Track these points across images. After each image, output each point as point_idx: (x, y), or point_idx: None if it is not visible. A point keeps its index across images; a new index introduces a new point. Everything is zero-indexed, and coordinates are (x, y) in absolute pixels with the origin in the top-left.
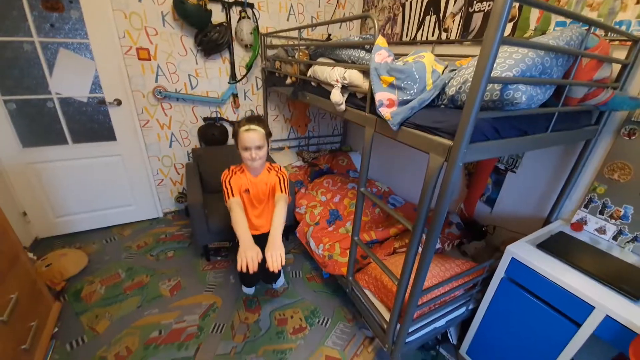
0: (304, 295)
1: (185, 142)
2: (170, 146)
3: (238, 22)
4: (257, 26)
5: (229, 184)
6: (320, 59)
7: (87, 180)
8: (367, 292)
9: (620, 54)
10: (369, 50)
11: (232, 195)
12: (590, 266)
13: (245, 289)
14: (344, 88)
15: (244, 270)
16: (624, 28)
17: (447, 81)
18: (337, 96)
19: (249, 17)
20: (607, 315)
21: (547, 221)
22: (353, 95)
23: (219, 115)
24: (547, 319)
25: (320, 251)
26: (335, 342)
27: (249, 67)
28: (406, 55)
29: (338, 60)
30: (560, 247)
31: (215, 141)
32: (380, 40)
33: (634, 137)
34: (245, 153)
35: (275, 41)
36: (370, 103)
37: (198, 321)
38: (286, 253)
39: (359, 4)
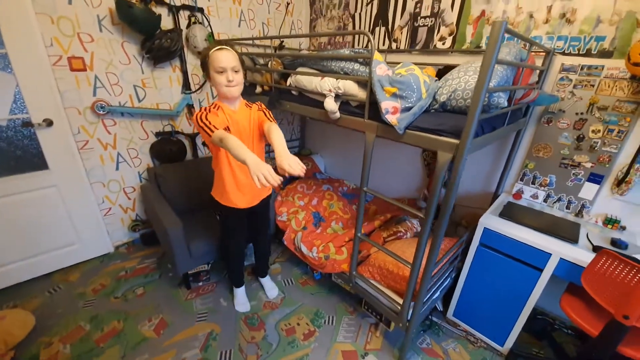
0: (302, 300)
1: (135, 162)
2: (117, 168)
3: (188, 27)
4: (212, 32)
5: (206, 119)
6: (302, 69)
7: (15, 221)
8: (373, 281)
9: (539, 62)
10: (363, 64)
11: (215, 128)
12: (538, 224)
13: (240, 303)
14: (336, 97)
15: (264, 182)
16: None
17: (436, 90)
18: (332, 105)
19: (199, 22)
20: (561, 258)
21: (495, 195)
22: (346, 104)
23: (173, 129)
24: (516, 271)
25: (314, 254)
26: (346, 336)
27: (205, 75)
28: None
29: (324, 71)
30: (513, 213)
31: (173, 157)
32: (377, 55)
33: (551, 124)
34: (220, 77)
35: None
36: (369, 110)
37: (200, 354)
38: (271, 263)
39: (306, 12)
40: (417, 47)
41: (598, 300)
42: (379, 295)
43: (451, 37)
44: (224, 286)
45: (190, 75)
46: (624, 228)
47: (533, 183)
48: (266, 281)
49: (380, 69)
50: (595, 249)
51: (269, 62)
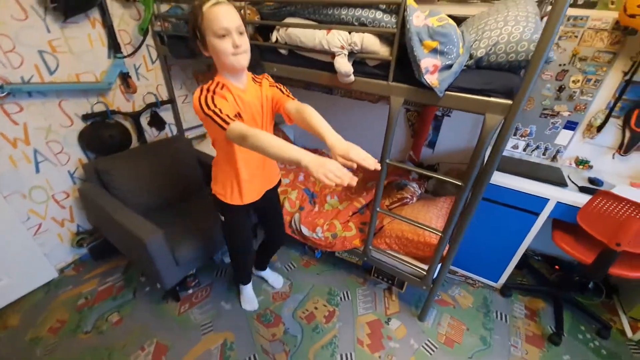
0: (311, 282)
1: (61, 159)
2: (37, 171)
3: None
4: None
5: (214, 105)
6: (292, 20)
7: None
8: (391, 252)
9: None
10: (387, 11)
11: (230, 118)
12: (528, 172)
13: (251, 303)
14: (349, 55)
15: (339, 182)
16: None
17: (471, 44)
18: (346, 65)
19: None
20: (557, 201)
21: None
22: (361, 63)
23: (108, 109)
24: (513, 217)
25: (319, 235)
26: (365, 307)
27: (144, 32)
28: None
29: (328, 22)
30: (501, 164)
31: (115, 146)
32: (411, 0)
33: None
34: (222, 43)
35: None
36: (395, 70)
37: None
38: None
39: None
40: None
41: (593, 233)
42: (397, 264)
43: None
44: (220, 287)
45: (117, 31)
46: (591, 167)
47: (515, 135)
48: (268, 273)
49: (418, 18)
50: (582, 189)
51: (240, 11)
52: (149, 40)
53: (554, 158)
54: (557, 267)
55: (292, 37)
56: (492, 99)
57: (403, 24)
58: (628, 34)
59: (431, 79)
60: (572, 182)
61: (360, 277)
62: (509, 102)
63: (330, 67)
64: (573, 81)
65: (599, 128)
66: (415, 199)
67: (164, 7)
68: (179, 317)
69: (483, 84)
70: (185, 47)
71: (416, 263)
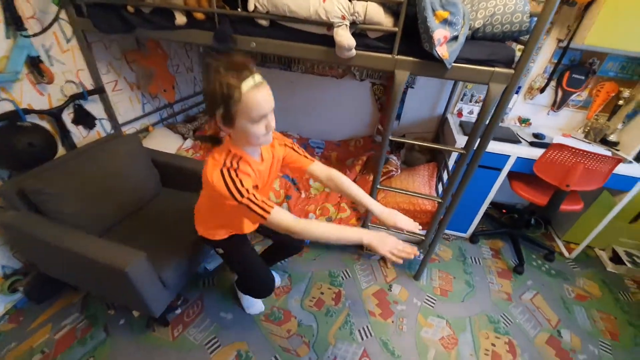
0: (309, 269)
1: None
2: None
3: None
4: None
5: (246, 190)
6: None
7: None
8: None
9: None
10: None
11: (268, 205)
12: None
13: (256, 306)
14: (350, 26)
15: (405, 256)
16: None
17: (469, 15)
18: (349, 38)
19: None
20: (517, 157)
21: (442, 117)
22: (362, 35)
23: (17, 107)
24: (481, 175)
25: None
26: (367, 280)
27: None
28: None
29: None
30: (465, 129)
31: (37, 157)
32: None
33: None
34: (257, 127)
35: None
36: (401, 43)
37: None
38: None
39: None
40: None
41: (548, 179)
42: (397, 235)
43: None
44: (212, 297)
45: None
46: (531, 124)
47: (470, 101)
48: None
49: None
50: (532, 144)
51: None
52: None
53: (503, 120)
54: (504, 210)
55: (278, 5)
56: (496, 69)
57: None
58: (567, 4)
59: (442, 51)
60: (522, 138)
61: (354, 254)
62: (512, 71)
63: (323, 40)
64: (518, 49)
65: (542, 90)
66: (399, 170)
67: None
68: (175, 342)
69: (488, 54)
70: (119, 18)
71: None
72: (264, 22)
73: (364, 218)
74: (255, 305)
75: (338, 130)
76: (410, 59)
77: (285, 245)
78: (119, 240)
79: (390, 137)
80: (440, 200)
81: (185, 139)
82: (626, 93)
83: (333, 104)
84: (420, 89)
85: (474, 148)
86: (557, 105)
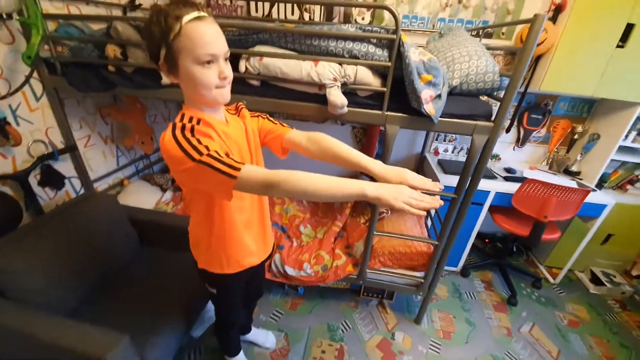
0: (306, 325)
1: None
2: None
3: None
4: None
5: (206, 147)
6: (262, 48)
7: None
8: (385, 269)
9: None
10: (379, 45)
11: (237, 162)
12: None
13: None
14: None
15: (427, 207)
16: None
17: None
18: (341, 98)
19: None
20: (496, 192)
21: (421, 155)
22: (352, 94)
23: None
24: (468, 211)
25: (308, 271)
26: (368, 330)
27: (33, 61)
28: None
29: (314, 53)
30: (445, 167)
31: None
32: (404, 35)
33: None
34: (206, 72)
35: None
36: (389, 101)
37: None
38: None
39: None
40: (335, 20)
41: (526, 211)
42: (396, 279)
43: (369, 12)
44: None
45: None
46: (500, 159)
47: (444, 140)
48: (255, 333)
49: (414, 54)
50: (506, 179)
51: None
52: (23, 69)
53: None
54: (487, 240)
55: (270, 67)
56: (478, 122)
57: (398, 58)
58: None
59: (429, 108)
60: (496, 173)
61: (351, 301)
62: (491, 124)
63: (315, 98)
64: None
65: (507, 130)
66: (389, 212)
67: (50, 25)
68: None
69: (469, 110)
70: (97, 77)
71: (411, 273)
72: (255, 82)
73: (361, 265)
74: None
75: (322, 172)
76: (399, 114)
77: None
78: (95, 318)
79: None
80: (437, 243)
81: (163, 190)
82: (579, 128)
83: None
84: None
85: (464, 192)
86: (520, 141)
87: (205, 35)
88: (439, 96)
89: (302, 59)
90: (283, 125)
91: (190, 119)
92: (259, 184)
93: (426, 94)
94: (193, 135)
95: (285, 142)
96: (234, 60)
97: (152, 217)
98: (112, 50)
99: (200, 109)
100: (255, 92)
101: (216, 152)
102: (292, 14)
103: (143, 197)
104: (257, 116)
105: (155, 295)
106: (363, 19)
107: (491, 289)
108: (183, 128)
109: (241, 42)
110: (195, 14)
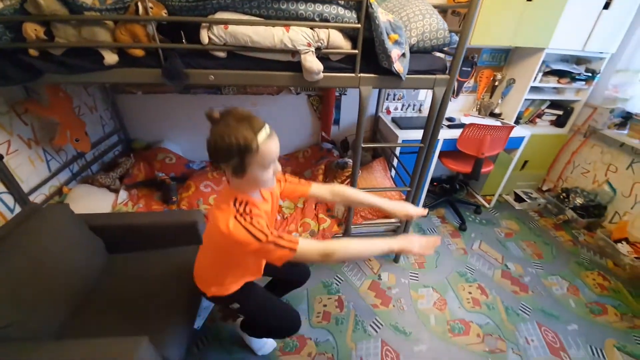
0: (303, 287)
1: None
2: None
3: None
4: None
5: (269, 231)
6: (223, 15)
7: None
8: (367, 222)
9: None
10: (347, 7)
11: (293, 238)
12: (420, 124)
13: (268, 344)
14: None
15: (434, 246)
16: None
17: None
18: (317, 63)
19: None
20: (443, 139)
21: (376, 115)
22: (324, 59)
23: None
24: None
25: None
26: (358, 277)
27: None
28: None
29: (282, 18)
30: (401, 124)
31: None
32: None
33: None
34: (268, 172)
35: None
36: (361, 63)
37: None
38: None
39: None
40: None
41: (468, 152)
42: (376, 229)
43: None
44: (215, 357)
45: None
46: None
47: (394, 99)
48: None
49: (382, 14)
50: (449, 126)
51: (132, 4)
52: None
53: (420, 110)
54: (435, 184)
55: (238, 36)
56: (437, 76)
57: (366, 19)
58: (453, 14)
59: (398, 67)
60: None
61: None
62: (447, 76)
63: (287, 66)
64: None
65: None
66: (361, 172)
67: None
68: None
69: (429, 65)
70: (15, 66)
71: (388, 220)
72: (221, 54)
73: (345, 223)
74: (266, 345)
75: (283, 145)
76: (371, 75)
77: (285, 280)
78: (91, 334)
79: (363, 145)
80: (409, 189)
81: (113, 191)
82: (499, 75)
83: (273, 120)
84: (351, 95)
85: (428, 141)
86: (455, 93)
87: (273, 149)
88: (403, 54)
89: (272, 25)
90: (301, 183)
91: (241, 203)
92: (317, 254)
93: (395, 53)
94: (252, 219)
95: (309, 198)
96: (193, 29)
97: (117, 221)
98: (32, 30)
99: (247, 194)
100: (221, 64)
101: (279, 236)
102: None
103: (94, 202)
104: (279, 181)
105: (148, 298)
106: None
107: (445, 221)
108: (242, 214)
109: (199, 8)
110: (264, 132)
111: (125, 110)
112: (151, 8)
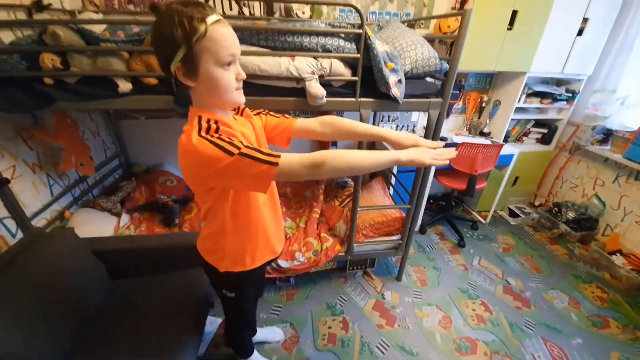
0: (306, 310)
1: None
2: None
3: None
4: None
5: (239, 142)
6: None
7: None
8: (368, 240)
9: None
10: (347, 39)
11: (274, 154)
12: None
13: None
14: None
15: (450, 157)
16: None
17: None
18: (320, 89)
19: None
20: None
21: None
22: (327, 85)
23: None
24: None
25: (301, 259)
26: (362, 297)
27: None
28: None
29: (289, 49)
30: None
31: None
32: (369, 30)
33: None
34: (228, 74)
35: None
36: (361, 88)
37: None
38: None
39: None
40: (277, 15)
41: (461, 169)
42: (378, 247)
43: (309, 7)
44: None
45: None
46: None
47: (388, 120)
48: (263, 331)
49: (379, 45)
50: (446, 145)
51: (148, 37)
52: None
53: (413, 130)
54: (432, 201)
55: (247, 65)
56: (432, 99)
57: (365, 50)
58: (440, 43)
59: (395, 92)
60: None
61: (340, 278)
62: (440, 99)
63: (293, 92)
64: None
65: None
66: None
67: None
68: None
69: (423, 89)
70: (28, 94)
71: (389, 238)
72: None
73: (347, 242)
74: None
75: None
76: (370, 99)
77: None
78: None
79: None
80: (409, 207)
81: (114, 214)
82: (485, 97)
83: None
84: (348, 115)
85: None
86: (445, 113)
87: (227, 37)
88: (399, 81)
89: (279, 55)
90: (287, 117)
91: (208, 121)
92: (304, 166)
93: (392, 79)
94: (220, 135)
95: (294, 132)
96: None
97: (121, 244)
98: (50, 60)
99: (213, 111)
100: None
101: (252, 146)
102: (230, 9)
103: (96, 226)
104: (259, 113)
105: (153, 325)
106: (303, 13)
107: (444, 238)
108: (208, 129)
109: None
110: (216, 16)
111: (126, 135)
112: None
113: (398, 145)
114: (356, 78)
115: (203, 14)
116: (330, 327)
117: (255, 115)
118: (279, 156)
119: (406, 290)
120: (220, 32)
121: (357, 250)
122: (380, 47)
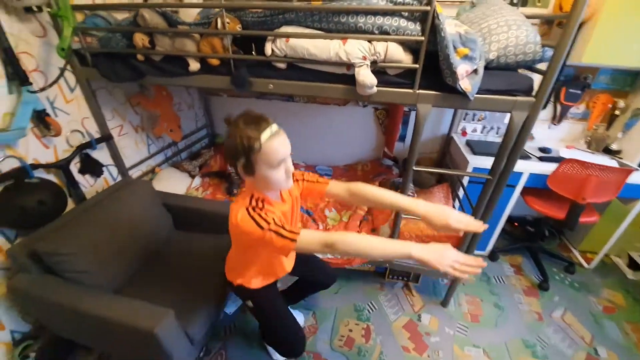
0: (333, 305)
1: None
2: None
3: None
4: None
5: (272, 219)
6: (287, 29)
7: None
8: None
9: None
10: (410, 19)
11: (296, 229)
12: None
13: None
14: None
15: (470, 271)
16: None
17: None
18: (371, 77)
19: None
20: (530, 173)
21: (448, 136)
22: (381, 73)
23: (25, 164)
24: None
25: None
26: (394, 311)
27: (67, 52)
28: None
29: (341, 31)
30: (475, 148)
31: (47, 214)
32: (439, 7)
33: None
34: (278, 172)
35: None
36: (422, 78)
37: None
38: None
39: None
40: None
41: (563, 193)
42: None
43: None
44: (235, 346)
45: (17, 54)
46: (534, 137)
47: (473, 120)
48: None
49: (450, 26)
50: (541, 159)
51: (214, 20)
52: (57, 61)
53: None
54: (515, 224)
55: (297, 49)
56: (518, 98)
57: (431, 31)
58: (558, 26)
59: (465, 85)
60: (530, 153)
61: (377, 283)
62: (532, 99)
63: (342, 79)
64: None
65: (544, 105)
66: (415, 194)
67: (78, 17)
68: None
69: (508, 85)
70: (127, 67)
71: None
72: (281, 65)
73: None
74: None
75: (344, 155)
76: (432, 92)
77: (311, 281)
78: (138, 296)
79: (417, 168)
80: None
81: (192, 176)
82: (621, 103)
83: (337, 130)
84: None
85: (499, 173)
86: (557, 119)
87: (279, 149)
88: (475, 71)
89: (330, 38)
90: (320, 182)
91: (257, 199)
92: (318, 244)
93: (462, 69)
94: (261, 211)
95: (327, 196)
96: (260, 42)
97: (185, 202)
98: (140, 39)
99: (264, 193)
100: (282, 75)
101: (280, 221)
102: None
103: (174, 183)
104: (297, 180)
105: (190, 276)
106: None
107: (521, 273)
108: (255, 206)
109: (267, 23)
110: (268, 132)
111: (213, 109)
112: (228, 23)
113: (426, 221)
114: (416, 65)
115: (259, 131)
116: (351, 330)
117: (296, 180)
118: (298, 233)
119: (450, 320)
120: (271, 147)
121: (397, 260)
122: (451, 28)
